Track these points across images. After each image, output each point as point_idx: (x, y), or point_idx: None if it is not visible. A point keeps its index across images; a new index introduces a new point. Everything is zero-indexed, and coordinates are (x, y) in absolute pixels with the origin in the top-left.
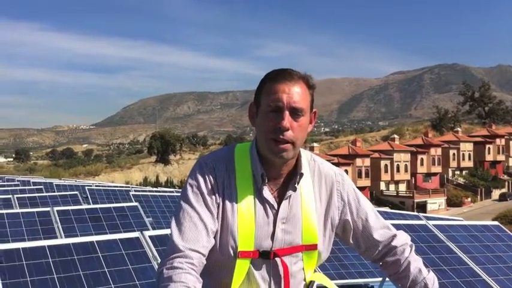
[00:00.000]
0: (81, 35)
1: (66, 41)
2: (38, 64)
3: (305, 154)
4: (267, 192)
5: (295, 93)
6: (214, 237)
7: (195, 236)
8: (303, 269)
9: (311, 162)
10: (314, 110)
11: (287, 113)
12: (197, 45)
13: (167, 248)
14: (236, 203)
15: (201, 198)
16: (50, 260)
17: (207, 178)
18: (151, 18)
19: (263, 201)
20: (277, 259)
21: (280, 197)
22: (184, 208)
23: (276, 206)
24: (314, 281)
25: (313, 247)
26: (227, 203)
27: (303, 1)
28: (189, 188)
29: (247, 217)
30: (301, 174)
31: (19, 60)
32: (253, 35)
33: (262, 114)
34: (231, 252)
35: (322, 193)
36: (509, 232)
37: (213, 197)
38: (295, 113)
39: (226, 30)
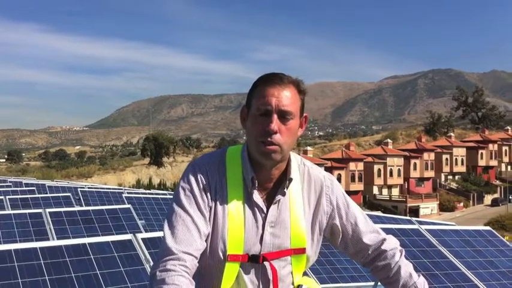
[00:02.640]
0: (77, 36)
1: (62, 42)
2: (33, 65)
3: (295, 158)
4: (256, 196)
5: (284, 97)
6: (206, 240)
7: (188, 238)
8: (292, 272)
9: (301, 166)
10: (305, 114)
11: (275, 116)
12: (192, 48)
13: (160, 250)
14: (227, 206)
15: (194, 201)
16: (42, 261)
17: (200, 181)
18: (148, 20)
19: (252, 205)
20: (266, 263)
21: (270, 201)
22: (177, 211)
23: (265, 209)
24: (302, 285)
25: (301, 251)
26: (218, 206)
27: (298, 5)
28: (181, 190)
29: (236, 220)
30: (291, 179)
31: (15, 60)
32: (249, 37)
33: (252, 117)
34: (221, 255)
35: (311, 197)
36: (501, 237)
37: (206, 200)
38: (284, 116)
39: (222, 33)
